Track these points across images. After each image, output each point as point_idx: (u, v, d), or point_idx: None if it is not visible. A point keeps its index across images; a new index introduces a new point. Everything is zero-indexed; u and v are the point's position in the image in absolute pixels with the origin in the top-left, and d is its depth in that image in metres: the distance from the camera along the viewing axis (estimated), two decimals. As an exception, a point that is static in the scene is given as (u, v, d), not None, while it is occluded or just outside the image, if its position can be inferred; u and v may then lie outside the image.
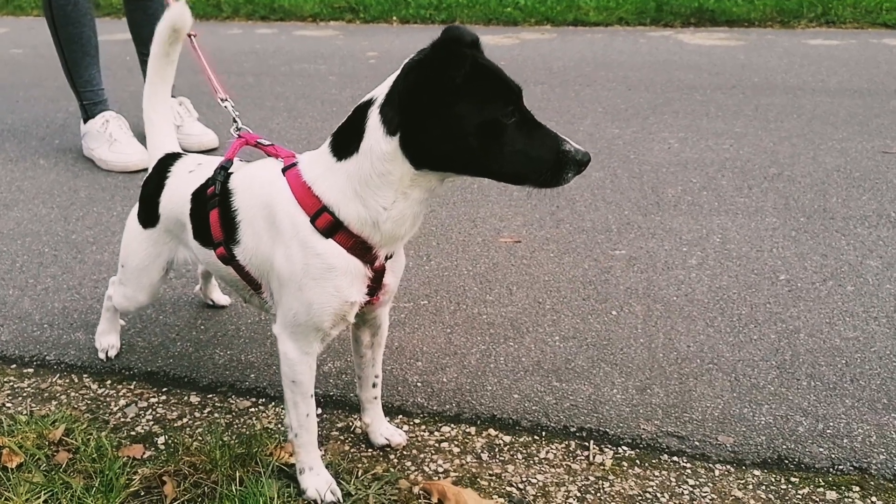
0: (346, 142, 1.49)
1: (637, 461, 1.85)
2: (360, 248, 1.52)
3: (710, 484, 1.77)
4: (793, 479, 1.78)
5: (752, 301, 2.50)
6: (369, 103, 1.47)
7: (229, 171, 1.74)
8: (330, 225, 1.50)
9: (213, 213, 1.70)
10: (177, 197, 1.87)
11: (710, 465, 1.84)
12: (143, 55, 4.00)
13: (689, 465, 1.84)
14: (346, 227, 1.50)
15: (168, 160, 1.99)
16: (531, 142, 1.42)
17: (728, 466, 1.83)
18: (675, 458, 1.86)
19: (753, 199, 3.28)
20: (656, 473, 1.81)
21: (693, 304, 2.49)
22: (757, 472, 1.81)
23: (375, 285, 1.59)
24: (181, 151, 2.05)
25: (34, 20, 8.18)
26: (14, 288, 2.68)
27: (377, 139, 1.43)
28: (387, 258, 1.58)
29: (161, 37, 1.95)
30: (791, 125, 4.21)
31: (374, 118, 1.44)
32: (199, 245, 1.81)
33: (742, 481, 1.78)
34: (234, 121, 1.92)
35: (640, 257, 2.81)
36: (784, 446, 1.89)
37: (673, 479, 1.79)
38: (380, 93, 1.46)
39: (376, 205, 1.47)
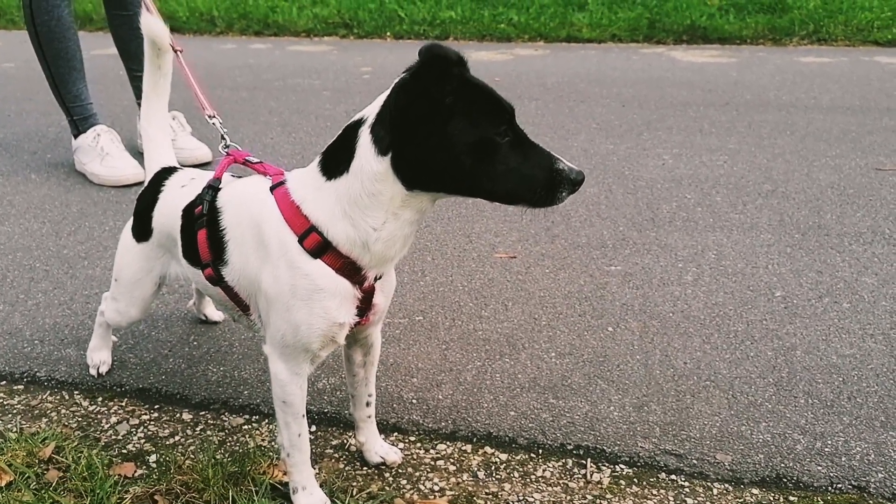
0: (336, 161, 1.47)
1: (635, 479, 1.84)
2: (349, 270, 1.50)
3: (708, 503, 1.75)
4: (791, 498, 1.77)
5: (748, 318, 2.50)
6: (360, 122, 1.45)
7: (218, 188, 1.72)
8: (318, 245, 1.48)
9: (201, 233, 1.68)
10: (169, 211, 1.86)
11: (709, 483, 1.82)
12: (132, 70, 3.97)
13: (686, 483, 1.82)
14: (335, 247, 1.48)
15: (163, 174, 1.98)
16: (525, 160, 1.41)
17: (726, 485, 1.81)
18: (672, 477, 1.84)
19: (748, 215, 3.29)
20: (654, 492, 1.79)
21: (689, 321, 2.48)
22: (755, 491, 1.79)
23: (365, 306, 1.57)
24: (177, 165, 2.04)
25: (26, 34, 8.14)
26: (4, 303, 2.65)
27: (368, 159, 1.42)
28: (377, 278, 1.56)
29: (147, 50, 1.99)
30: (784, 142, 4.23)
31: (364, 137, 1.42)
32: (187, 264, 1.80)
33: (740, 500, 1.76)
34: (223, 138, 1.90)
35: (635, 273, 2.80)
36: (782, 464, 1.87)
37: (671, 498, 1.77)
38: (370, 112, 1.44)
39: (366, 225, 1.45)
